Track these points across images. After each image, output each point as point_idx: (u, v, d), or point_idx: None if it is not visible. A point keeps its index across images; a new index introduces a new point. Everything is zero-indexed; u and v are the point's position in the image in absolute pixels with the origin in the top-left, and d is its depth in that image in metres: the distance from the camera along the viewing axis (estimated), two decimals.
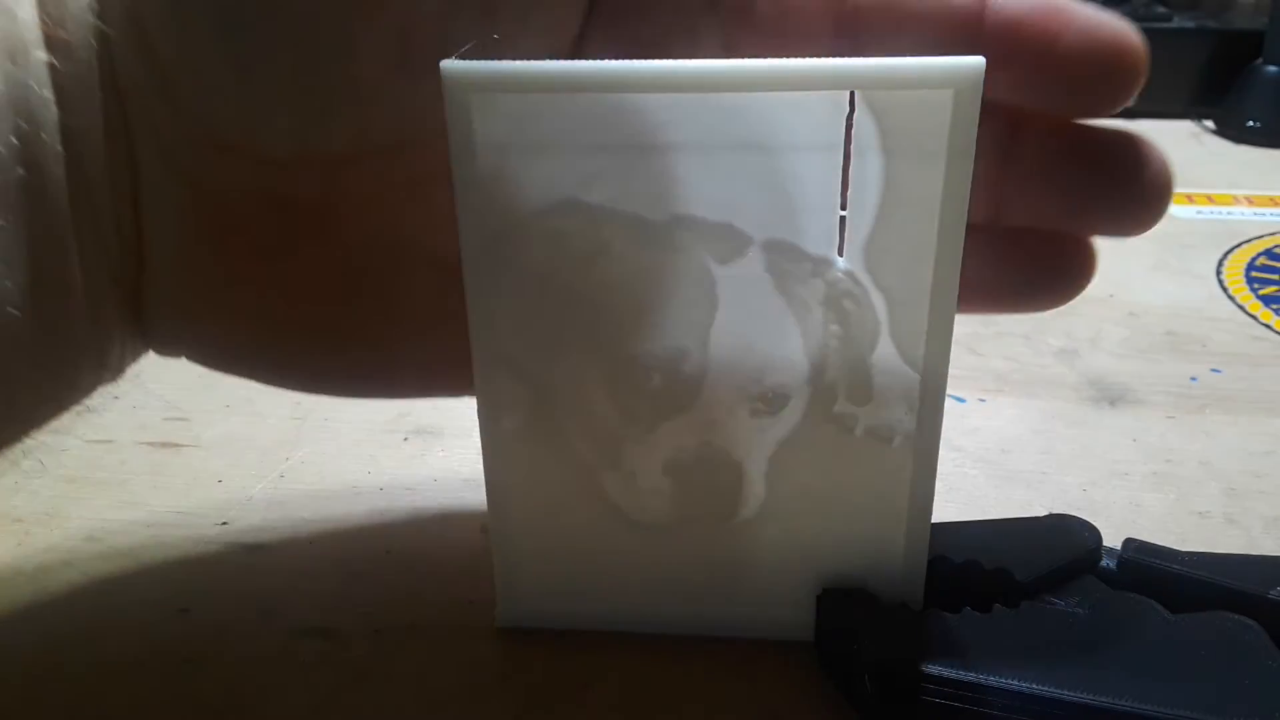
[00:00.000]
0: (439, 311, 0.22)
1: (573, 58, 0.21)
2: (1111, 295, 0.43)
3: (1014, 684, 0.20)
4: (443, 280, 0.22)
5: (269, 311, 0.23)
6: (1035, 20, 0.20)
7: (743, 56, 0.19)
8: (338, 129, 0.20)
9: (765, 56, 0.18)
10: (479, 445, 0.22)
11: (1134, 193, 0.21)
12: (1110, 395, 0.35)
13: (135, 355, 0.23)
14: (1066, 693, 0.19)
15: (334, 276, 0.23)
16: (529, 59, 0.19)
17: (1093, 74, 0.20)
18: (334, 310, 0.23)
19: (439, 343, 0.23)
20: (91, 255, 0.20)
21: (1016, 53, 0.20)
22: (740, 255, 0.20)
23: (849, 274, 0.20)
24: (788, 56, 0.18)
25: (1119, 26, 0.20)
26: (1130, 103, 0.21)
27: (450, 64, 0.19)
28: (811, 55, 0.18)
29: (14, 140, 0.18)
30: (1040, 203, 0.22)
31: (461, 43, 0.19)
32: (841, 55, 0.18)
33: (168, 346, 0.23)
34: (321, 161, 0.21)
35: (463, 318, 0.22)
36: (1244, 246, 0.49)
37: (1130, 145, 0.21)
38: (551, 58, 0.19)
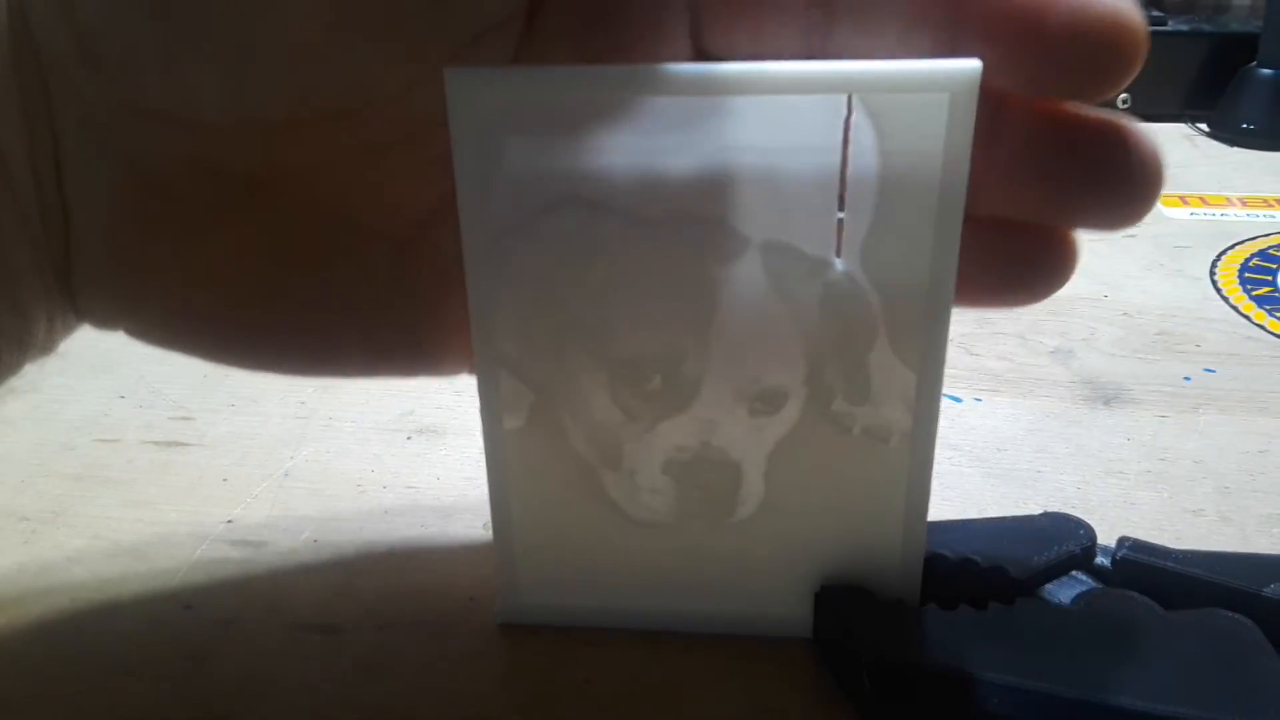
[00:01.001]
0: (388, 288, 0.22)
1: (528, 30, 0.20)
2: (1106, 296, 0.43)
3: (1009, 680, 0.20)
4: (392, 256, 0.22)
5: (205, 286, 0.22)
6: None
7: (714, 38, 0.18)
8: (272, 94, 0.19)
9: (738, 39, 0.18)
10: (481, 444, 0.22)
11: (1121, 184, 0.20)
12: (1105, 395, 0.35)
13: (68, 330, 0.22)
14: (1061, 689, 0.19)
15: (274, 250, 0.22)
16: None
17: (1085, 54, 0.18)
18: (274, 285, 0.22)
19: (388, 321, 0.22)
20: (8, 230, 0.20)
21: (1001, 28, 0.18)
22: (739, 256, 0.20)
23: (846, 275, 0.20)
24: (761, 39, 0.18)
25: (1115, 1, 0.18)
26: (1126, 84, 0.19)
27: (453, 67, 0.19)
28: (784, 34, 0.18)
29: None
30: (1021, 192, 0.21)
31: (406, 4, 0.18)
32: (816, 36, 0.18)
33: (103, 321, 0.22)
34: (256, 129, 0.20)
35: (413, 295, 0.22)
36: (1238, 248, 0.49)
37: (1119, 133, 0.20)
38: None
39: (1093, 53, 0.18)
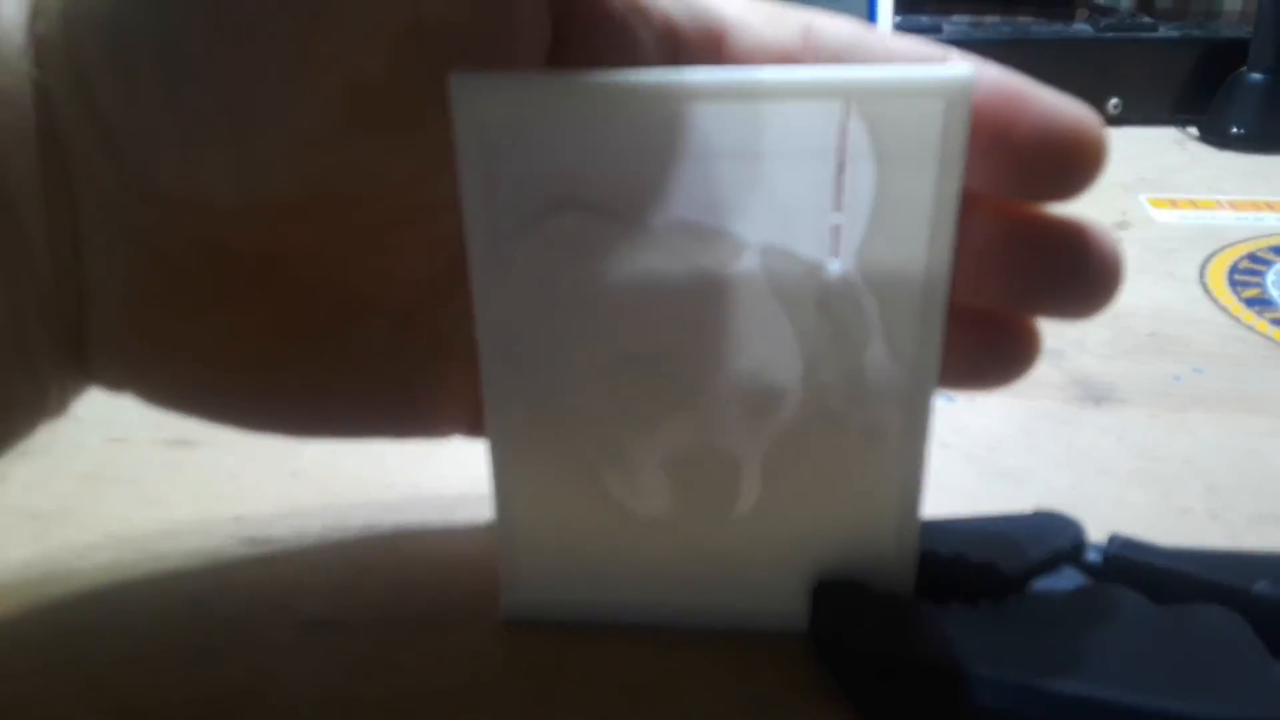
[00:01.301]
0: (386, 360, 0.22)
1: None
2: None
3: (1002, 675, 0.20)
4: (392, 329, 0.22)
5: (212, 358, 0.22)
6: (991, 104, 0.20)
7: None
8: (281, 182, 0.20)
9: None
10: (484, 442, 0.23)
11: (1081, 281, 0.21)
12: (1095, 395, 0.35)
13: (79, 392, 0.23)
14: (1052, 683, 0.20)
15: (278, 324, 0.22)
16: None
17: (1050, 163, 0.20)
18: (276, 357, 0.22)
19: (384, 390, 0.23)
20: (27, 305, 0.20)
21: (972, 137, 0.19)
22: (737, 259, 0.20)
23: (842, 278, 0.20)
24: None
25: (1079, 115, 0.20)
26: (1088, 189, 0.20)
27: (459, 73, 0.19)
28: None
29: None
30: (984, 284, 0.22)
31: (413, 98, 0.19)
32: None
33: (113, 386, 0.23)
34: (264, 211, 0.20)
35: (411, 366, 0.22)
36: (1227, 250, 0.50)
37: (1079, 234, 0.21)
38: None
39: (1058, 162, 0.20)
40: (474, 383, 0.23)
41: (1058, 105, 0.20)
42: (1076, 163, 0.20)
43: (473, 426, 0.24)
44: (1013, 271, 0.21)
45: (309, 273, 0.22)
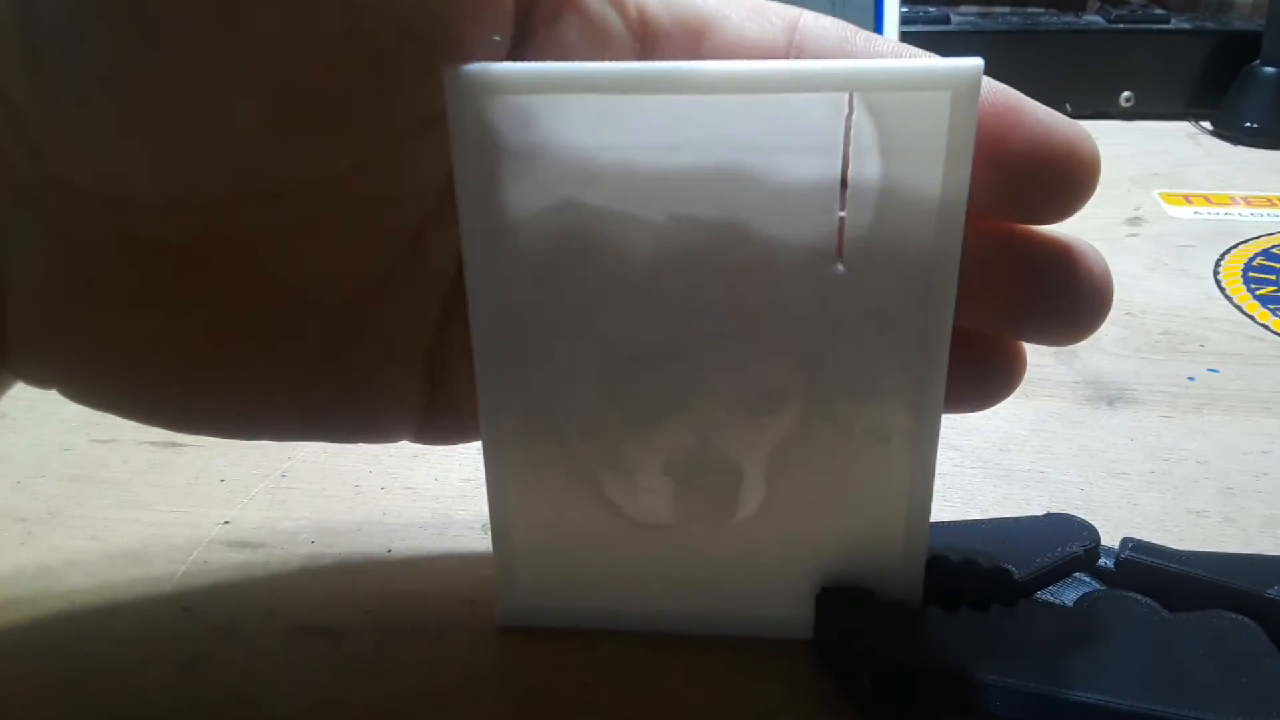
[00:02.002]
0: (325, 360, 0.22)
1: None
2: None
3: (1012, 682, 0.20)
4: (332, 329, 0.22)
5: (140, 357, 0.22)
6: (983, 119, 0.19)
7: None
8: (208, 179, 0.19)
9: None
10: (479, 445, 0.22)
11: (1070, 304, 0.21)
12: (1108, 395, 0.35)
13: (6, 386, 0.22)
14: (1065, 691, 0.19)
15: (208, 321, 0.21)
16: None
17: (1042, 181, 0.19)
18: (208, 355, 0.22)
19: (324, 391, 0.22)
20: None
21: None
22: (739, 255, 0.20)
23: (848, 274, 0.20)
24: None
25: (1072, 132, 0.19)
26: (1080, 208, 0.20)
27: (453, 66, 0.19)
28: None
29: None
30: (974, 305, 0.21)
31: (352, 95, 0.18)
32: None
33: (37, 383, 0.22)
34: (190, 208, 0.19)
35: (351, 366, 0.22)
36: (1241, 247, 0.49)
37: (1068, 256, 0.21)
38: None
39: (1050, 180, 0.19)
40: (420, 385, 0.23)
41: (1051, 120, 0.19)
42: (1070, 179, 0.19)
43: (420, 430, 0.24)
44: (998, 292, 0.21)
45: (240, 269, 0.21)
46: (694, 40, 0.21)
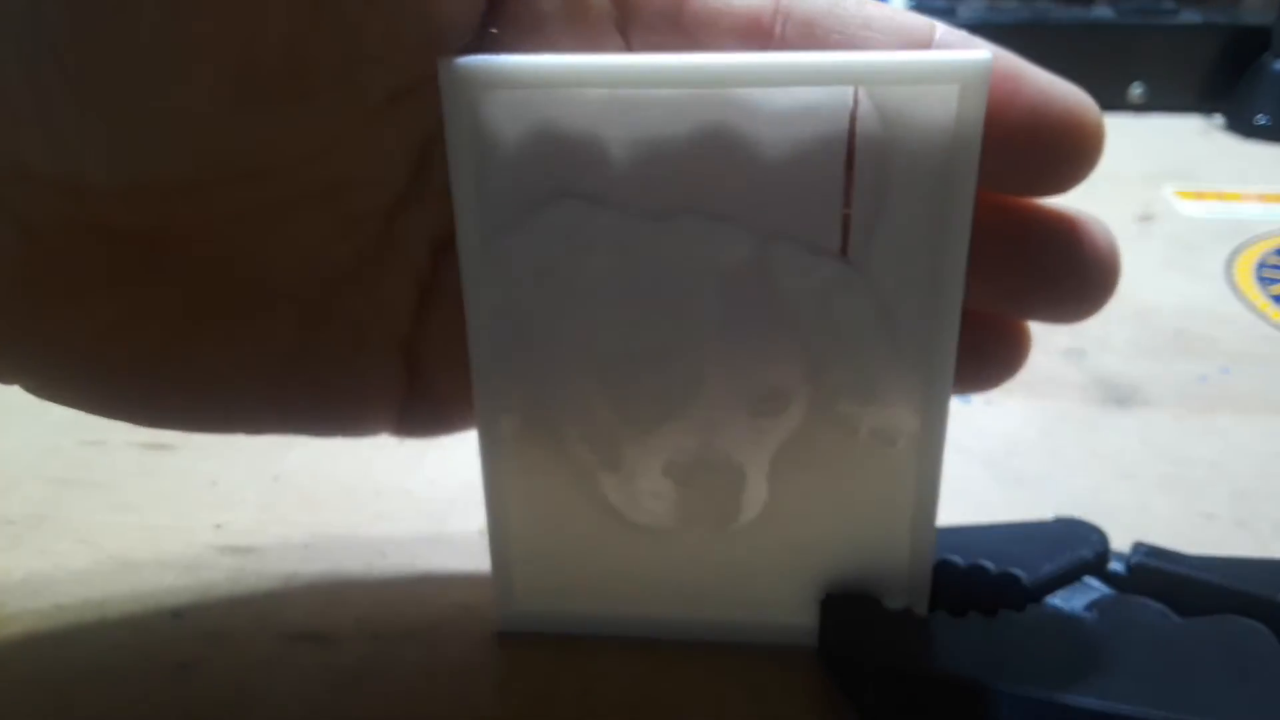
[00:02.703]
0: (296, 349, 0.21)
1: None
2: (1119, 293, 0.42)
3: (1021, 690, 0.20)
4: (303, 319, 0.21)
5: (102, 347, 0.21)
6: None
7: None
8: (167, 161, 0.18)
9: None
10: (476, 447, 0.22)
11: (1075, 278, 0.20)
12: (1118, 396, 0.35)
13: None
14: (1074, 698, 0.19)
15: (173, 310, 0.21)
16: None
17: (1045, 150, 0.19)
18: (174, 345, 0.21)
19: (296, 382, 0.22)
20: None
21: None
22: (741, 252, 0.20)
23: (852, 272, 0.20)
24: None
25: (1076, 97, 0.19)
26: (1085, 178, 0.19)
27: (449, 60, 0.18)
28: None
29: None
30: (978, 283, 0.20)
31: (316, 67, 0.18)
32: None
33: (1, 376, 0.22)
34: (150, 193, 0.19)
35: (324, 356, 0.22)
36: (1254, 244, 0.49)
37: (1074, 228, 0.20)
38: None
39: (1050, 150, 0.19)
40: (397, 375, 0.22)
41: (1054, 85, 0.19)
42: (1073, 147, 0.19)
43: (399, 424, 0.23)
44: (1002, 269, 0.21)
45: (205, 256, 0.20)
46: (675, 8, 0.20)
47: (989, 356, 0.22)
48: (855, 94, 0.18)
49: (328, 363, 0.22)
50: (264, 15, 0.17)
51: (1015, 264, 0.21)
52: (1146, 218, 0.53)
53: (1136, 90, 0.71)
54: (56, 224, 0.19)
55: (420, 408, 0.23)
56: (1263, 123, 0.66)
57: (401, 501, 0.29)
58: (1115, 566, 0.23)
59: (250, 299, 0.21)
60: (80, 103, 0.17)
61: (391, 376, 0.22)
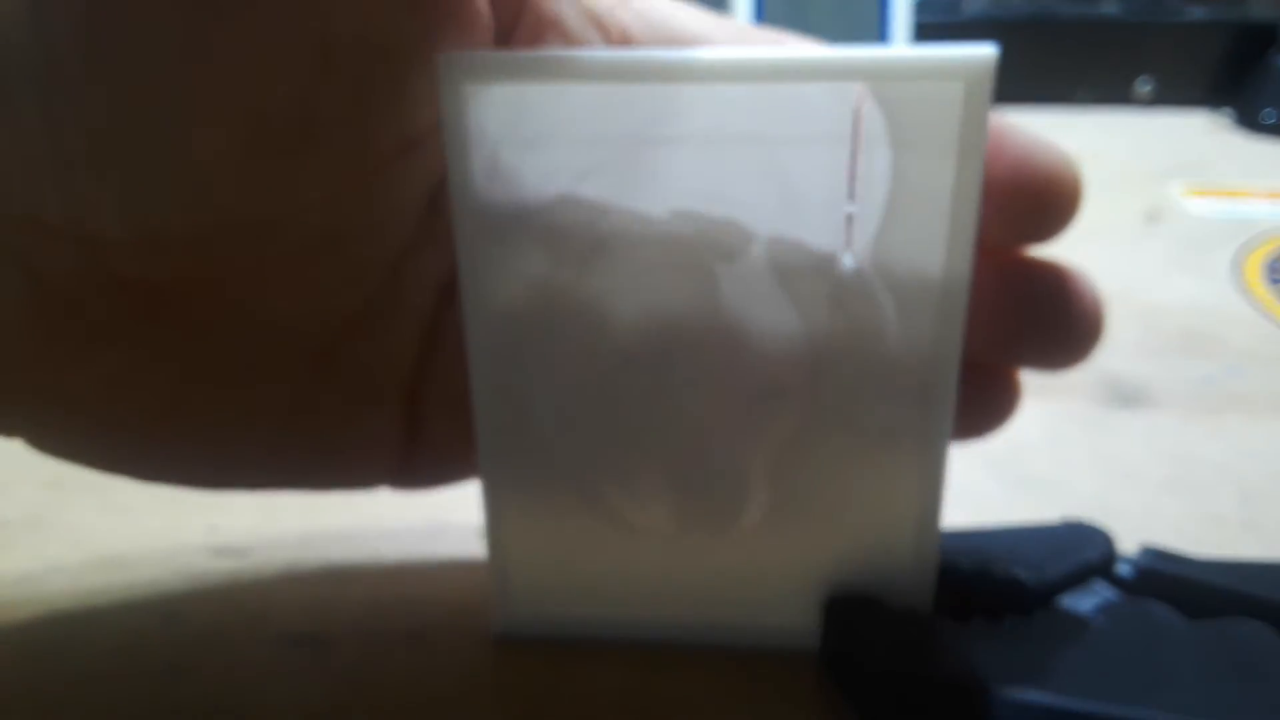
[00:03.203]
0: (303, 404, 0.21)
1: None
2: (1126, 293, 0.42)
3: (1027, 695, 0.19)
4: (309, 370, 0.21)
5: (108, 400, 0.21)
6: None
7: None
8: (175, 213, 0.18)
9: None
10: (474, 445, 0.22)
11: (1061, 330, 0.21)
12: (1124, 396, 0.35)
13: None
14: (1081, 703, 0.19)
15: (180, 365, 0.21)
16: None
17: (1026, 205, 0.20)
18: (180, 401, 0.21)
19: (301, 437, 0.22)
20: None
21: None
22: (744, 252, 0.20)
23: (856, 271, 0.20)
24: None
25: (1055, 158, 0.20)
26: (1064, 230, 0.20)
27: (446, 54, 0.18)
28: None
29: None
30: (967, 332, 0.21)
31: (325, 119, 0.18)
32: None
33: (1, 430, 0.22)
34: (161, 244, 0.19)
35: (327, 410, 0.22)
36: (1263, 243, 0.49)
37: (1060, 279, 0.21)
38: None
39: (1033, 205, 0.20)
40: (398, 426, 0.22)
41: (1034, 145, 0.20)
42: (1053, 203, 0.20)
43: (398, 474, 0.23)
44: (990, 318, 0.21)
45: (214, 307, 0.20)
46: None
47: (983, 405, 0.23)
48: (860, 91, 0.18)
49: (330, 414, 0.22)
50: (275, 68, 0.17)
51: (1010, 313, 0.21)
52: (1153, 216, 0.53)
53: (1143, 86, 0.71)
54: (66, 275, 0.19)
55: (421, 458, 0.23)
56: (1270, 120, 0.66)
57: (398, 503, 0.28)
58: (1122, 569, 0.23)
59: (257, 352, 0.21)
60: (96, 154, 0.18)
61: (393, 427, 0.22)
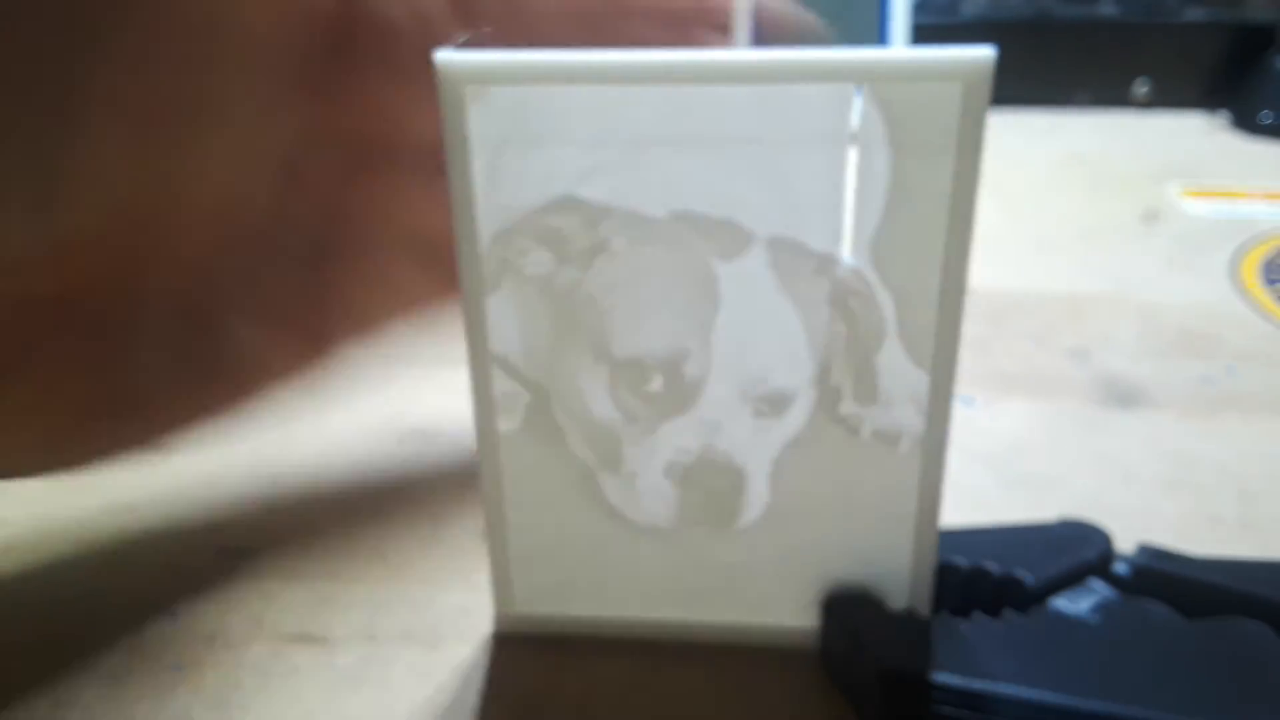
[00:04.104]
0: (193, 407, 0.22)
1: None
2: (1123, 293, 0.42)
3: (1026, 693, 0.19)
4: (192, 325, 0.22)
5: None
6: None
7: None
8: (72, 216, 0.18)
9: None
10: (474, 446, 0.22)
11: None
12: (1122, 396, 0.35)
13: None
14: (1080, 701, 0.19)
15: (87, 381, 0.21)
16: None
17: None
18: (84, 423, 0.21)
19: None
20: None
21: None
22: (743, 252, 0.20)
23: (855, 271, 0.20)
24: None
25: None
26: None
27: (444, 55, 0.18)
28: None
29: None
30: None
31: (222, 99, 0.18)
32: None
33: None
34: (56, 251, 0.19)
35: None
36: (1260, 243, 0.49)
37: None
38: None
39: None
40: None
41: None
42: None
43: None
44: None
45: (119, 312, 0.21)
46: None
47: None
48: (858, 91, 0.18)
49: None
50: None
51: None
52: (1151, 217, 0.53)
53: (1141, 88, 0.71)
54: None
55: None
56: (1268, 121, 0.66)
57: (398, 502, 0.29)
58: (1119, 568, 0.23)
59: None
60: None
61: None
